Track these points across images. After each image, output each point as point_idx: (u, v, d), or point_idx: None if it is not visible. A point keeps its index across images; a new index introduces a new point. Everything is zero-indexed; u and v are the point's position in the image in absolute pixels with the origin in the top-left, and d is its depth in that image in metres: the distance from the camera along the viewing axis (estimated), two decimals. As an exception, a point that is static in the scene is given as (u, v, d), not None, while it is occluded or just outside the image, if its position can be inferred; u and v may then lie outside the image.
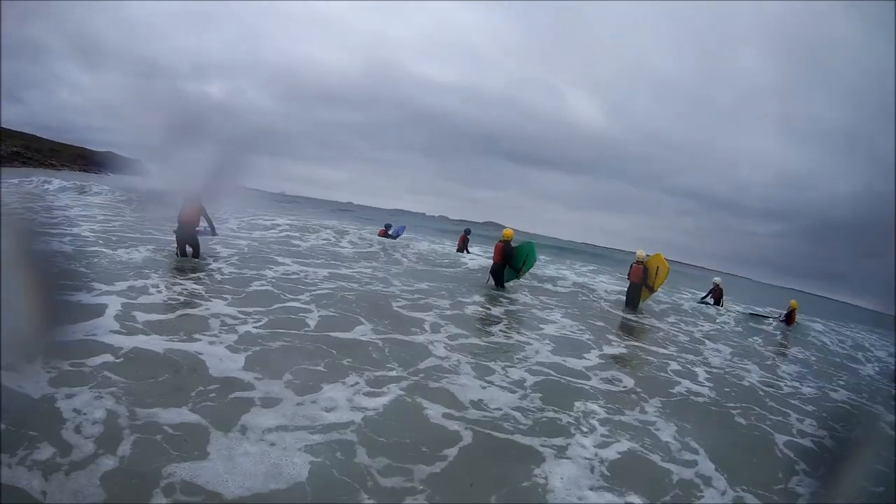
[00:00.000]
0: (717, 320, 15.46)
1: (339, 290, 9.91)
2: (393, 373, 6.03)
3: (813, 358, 12.78)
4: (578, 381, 7.02)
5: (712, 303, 18.11)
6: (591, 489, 4.31)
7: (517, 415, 5.45)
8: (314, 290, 9.54)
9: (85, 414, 4.08)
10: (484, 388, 6.06)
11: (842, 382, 10.64)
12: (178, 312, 7.00)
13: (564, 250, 45.77)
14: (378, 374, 5.90)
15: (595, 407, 6.08)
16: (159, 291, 7.84)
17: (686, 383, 7.89)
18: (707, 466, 5.07)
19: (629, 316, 13.25)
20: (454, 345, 7.62)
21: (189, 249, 10.86)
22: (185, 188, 11.16)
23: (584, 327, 10.62)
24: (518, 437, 4.96)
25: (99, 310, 6.51)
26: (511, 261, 13.32)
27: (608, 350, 9.10)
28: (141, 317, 6.51)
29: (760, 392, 8.21)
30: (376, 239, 19.05)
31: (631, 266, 14.67)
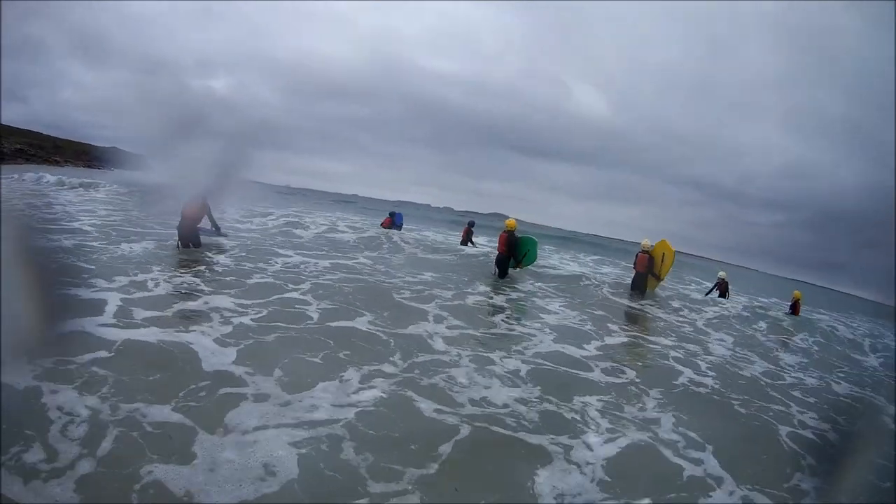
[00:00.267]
0: (721, 310, 15.27)
1: (341, 280, 9.86)
2: (391, 367, 5.94)
3: (816, 348, 12.60)
4: (580, 372, 6.95)
5: (718, 296, 17.69)
6: (592, 488, 4.23)
7: (516, 409, 5.34)
8: (315, 281, 9.49)
9: (68, 411, 4.01)
10: (483, 381, 5.96)
11: (844, 374, 10.48)
12: (177, 306, 6.94)
13: (569, 241, 45.72)
14: (375, 367, 5.82)
15: (596, 400, 5.99)
16: (158, 285, 7.77)
17: (689, 373, 7.81)
18: (712, 462, 4.98)
19: (632, 304, 13.10)
20: (454, 336, 7.56)
21: (190, 245, 10.88)
22: (191, 184, 11.20)
23: (586, 317, 10.55)
24: (517, 433, 4.87)
25: (97, 305, 6.45)
26: (515, 250, 13.59)
27: (610, 340, 9.02)
28: (138, 311, 6.44)
29: (762, 382, 8.10)
30: (376, 229, 18.93)
31: (636, 255, 14.54)
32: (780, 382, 8.38)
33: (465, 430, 4.71)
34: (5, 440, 3.56)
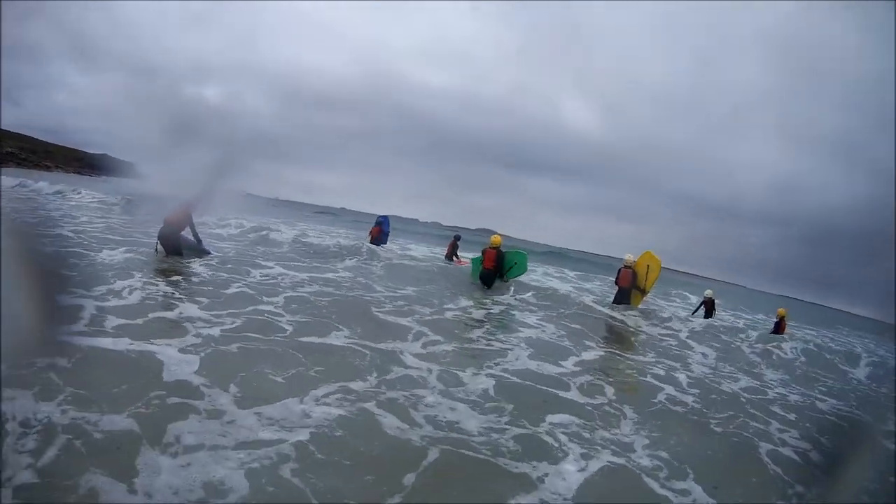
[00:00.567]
0: (702, 327, 15.18)
1: (318, 294, 9.77)
2: (358, 384, 5.73)
3: (800, 364, 12.41)
4: (556, 390, 6.79)
5: (703, 316, 17.29)
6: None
7: (486, 432, 5.10)
8: (291, 293, 9.41)
9: (22, 419, 3.90)
10: (452, 402, 5.74)
11: (828, 389, 10.36)
12: (149, 315, 6.83)
13: (556, 256, 45.80)
14: (341, 384, 5.61)
15: (571, 422, 5.76)
16: (133, 293, 7.65)
17: (668, 390, 7.69)
18: (695, 489, 4.76)
19: (613, 320, 12.92)
20: (429, 352, 7.44)
21: (171, 252, 10.86)
22: (178, 192, 11.18)
23: (564, 332, 10.46)
24: (485, 458, 4.61)
25: (72, 312, 6.35)
26: (501, 265, 13.92)
27: (588, 356, 8.92)
28: (110, 319, 6.35)
29: (743, 399, 7.98)
30: (355, 241, 18.81)
31: (619, 271, 14.30)
32: (761, 398, 8.27)
33: (430, 455, 4.47)
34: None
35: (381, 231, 21.37)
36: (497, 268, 13.78)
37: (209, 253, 11.82)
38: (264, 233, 18.09)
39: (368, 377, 6.01)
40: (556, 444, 5.10)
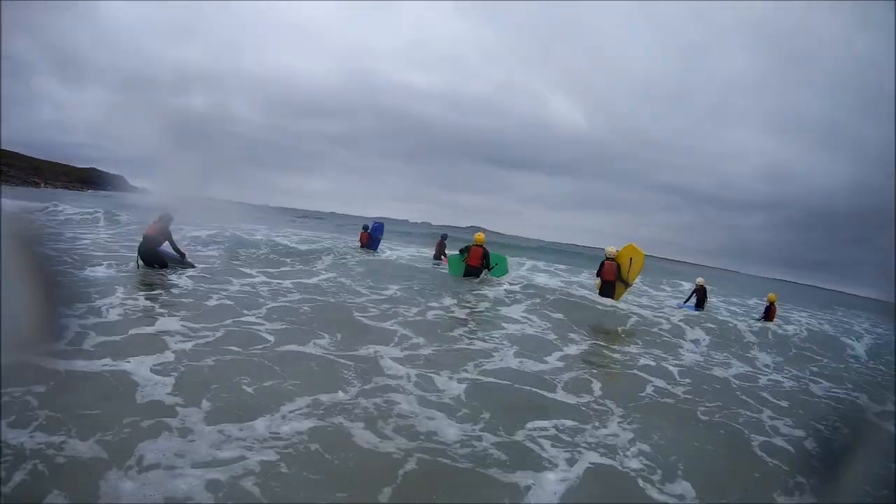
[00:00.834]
0: (691, 316, 15.10)
1: (301, 301, 9.73)
2: (336, 395, 5.53)
3: (794, 347, 12.25)
4: (540, 390, 6.64)
5: (695, 305, 16.89)
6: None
7: (466, 440, 4.89)
8: (273, 303, 9.35)
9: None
10: (432, 408, 5.53)
11: (822, 371, 10.27)
12: (129, 332, 6.74)
13: (545, 251, 45.68)
14: (318, 396, 5.41)
15: (557, 423, 5.55)
16: (112, 310, 7.59)
17: (657, 383, 7.60)
18: (685, 488, 4.58)
19: (599, 310, 12.75)
20: (411, 356, 7.30)
21: (155, 265, 10.98)
22: (161, 204, 11.21)
23: (550, 326, 10.45)
24: (466, 467, 4.42)
25: (53, 332, 6.16)
26: (487, 261, 14.18)
27: (573, 350, 8.86)
28: (89, 338, 6.28)
29: (734, 386, 7.94)
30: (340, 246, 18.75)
31: (602, 264, 13.91)
32: (752, 386, 8.21)
33: (406, 467, 4.30)
34: None
35: (370, 237, 21.23)
36: (483, 265, 14.08)
37: (193, 266, 11.81)
38: (242, 236, 18.02)
39: (346, 387, 5.83)
40: (540, 450, 4.91)
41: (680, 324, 12.30)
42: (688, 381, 8.00)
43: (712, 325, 12.78)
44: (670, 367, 8.56)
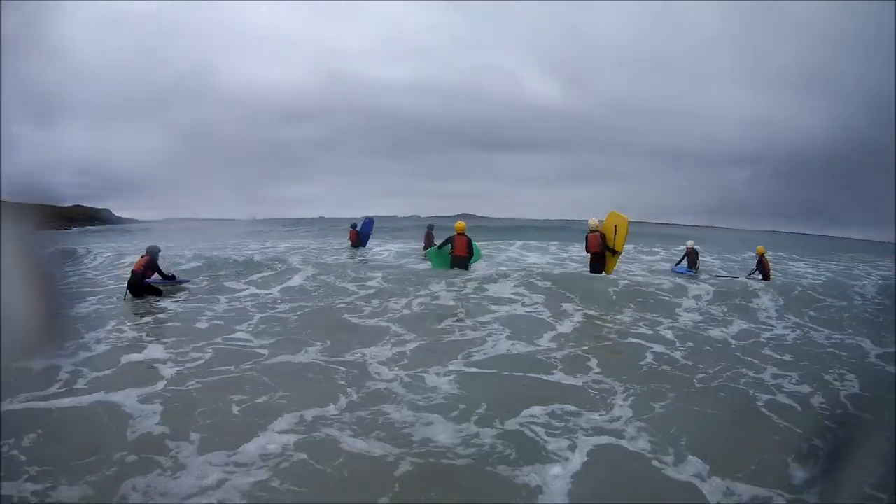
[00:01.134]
0: (684, 279, 14.97)
1: (290, 310, 9.64)
2: (327, 408, 5.32)
3: (784, 301, 11.91)
4: (536, 374, 6.50)
5: (687, 266, 16.83)
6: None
7: (464, 438, 4.69)
8: (261, 315, 9.27)
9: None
10: (427, 410, 5.32)
11: (822, 320, 10.25)
12: (119, 363, 6.64)
13: (538, 230, 45.47)
14: (310, 411, 5.20)
15: (554, 410, 5.33)
16: (102, 344, 7.51)
17: (657, 349, 7.58)
18: (697, 463, 4.39)
19: (592, 281, 12.66)
20: (402, 354, 7.18)
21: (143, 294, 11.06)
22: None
23: (541, 302, 10.38)
24: (467, 465, 4.25)
25: (47, 374, 6.10)
26: (472, 249, 13.77)
27: (567, 327, 8.76)
28: (80, 375, 6.16)
29: (734, 346, 7.90)
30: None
31: (586, 237, 13.57)
32: (753, 343, 8.18)
33: (404, 473, 4.13)
34: None
35: (358, 234, 21.46)
36: (469, 254, 13.63)
37: (188, 281, 12.24)
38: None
39: (337, 397, 5.64)
40: (542, 440, 4.72)
41: (673, 286, 12.24)
42: (689, 345, 7.95)
43: (706, 285, 12.70)
44: (667, 332, 8.51)
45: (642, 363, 7.05)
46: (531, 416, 5.21)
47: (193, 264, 14.50)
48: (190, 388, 5.85)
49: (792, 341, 8.51)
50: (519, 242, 26.30)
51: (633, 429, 5.00)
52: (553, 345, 7.77)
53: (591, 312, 9.88)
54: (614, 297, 11.30)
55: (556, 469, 4.23)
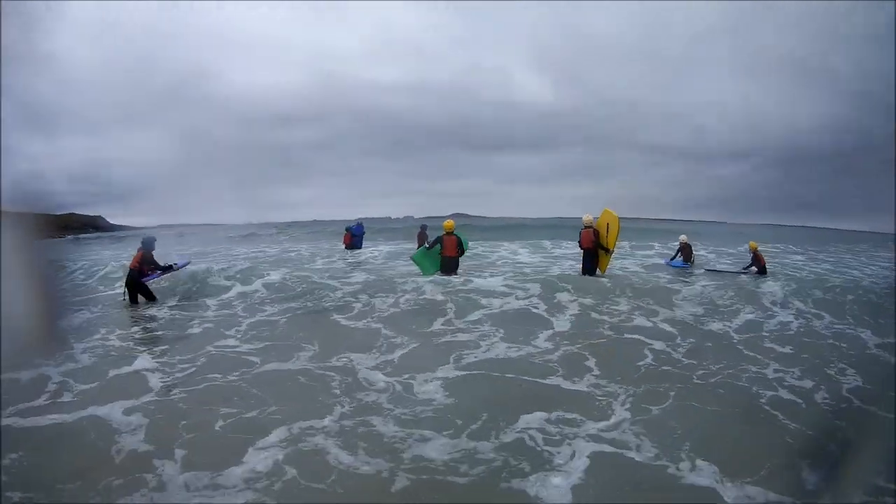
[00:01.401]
0: (678, 274, 14.94)
1: (280, 312, 9.53)
2: (321, 419, 5.13)
3: (782, 293, 11.66)
4: (532, 378, 6.33)
5: (682, 260, 16.70)
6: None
7: (460, 450, 4.52)
8: (251, 320, 9.14)
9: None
10: (421, 425, 5.07)
11: (822, 310, 10.14)
12: (108, 376, 6.48)
13: (529, 228, 45.35)
14: (300, 423, 5.02)
15: (557, 415, 5.17)
16: (90, 355, 7.36)
17: (656, 347, 7.45)
18: (705, 467, 4.25)
19: (585, 281, 12.31)
20: (392, 363, 6.97)
21: (140, 298, 11.08)
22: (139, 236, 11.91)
23: (535, 298, 10.19)
24: (467, 482, 4.06)
25: (35, 386, 6.03)
26: (462, 248, 13.38)
27: (563, 325, 8.60)
28: (67, 388, 6.04)
29: (734, 339, 7.80)
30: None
31: (580, 233, 13.37)
32: (752, 336, 8.09)
33: (397, 489, 3.98)
34: None
35: (352, 237, 21.52)
36: (459, 254, 13.22)
37: (188, 263, 12.67)
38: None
39: (326, 408, 5.44)
40: (541, 448, 4.57)
41: (669, 279, 12.18)
42: (690, 340, 7.85)
43: (703, 279, 12.61)
44: (666, 325, 8.40)
45: (641, 363, 6.92)
46: (529, 423, 5.04)
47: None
48: (178, 400, 5.70)
49: (793, 331, 8.43)
50: (517, 243, 26.02)
51: (635, 433, 4.86)
52: (549, 344, 7.62)
53: (586, 305, 9.73)
54: (609, 290, 11.13)
55: (556, 479, 4.08)
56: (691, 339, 7.86)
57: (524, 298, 10.17)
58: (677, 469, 4.23)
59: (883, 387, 6.50)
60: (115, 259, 17.45)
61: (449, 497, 3.90)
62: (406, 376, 6.36)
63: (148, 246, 11.43)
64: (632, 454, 4.50)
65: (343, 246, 22.11)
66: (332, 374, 6.45)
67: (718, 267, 17.15)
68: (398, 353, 7.36)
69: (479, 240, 25.18)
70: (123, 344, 7.97)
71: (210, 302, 10.73)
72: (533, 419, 5.10)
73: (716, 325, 8.69)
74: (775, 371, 6.64)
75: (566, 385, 6.15)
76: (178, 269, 12.26)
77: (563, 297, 10.34)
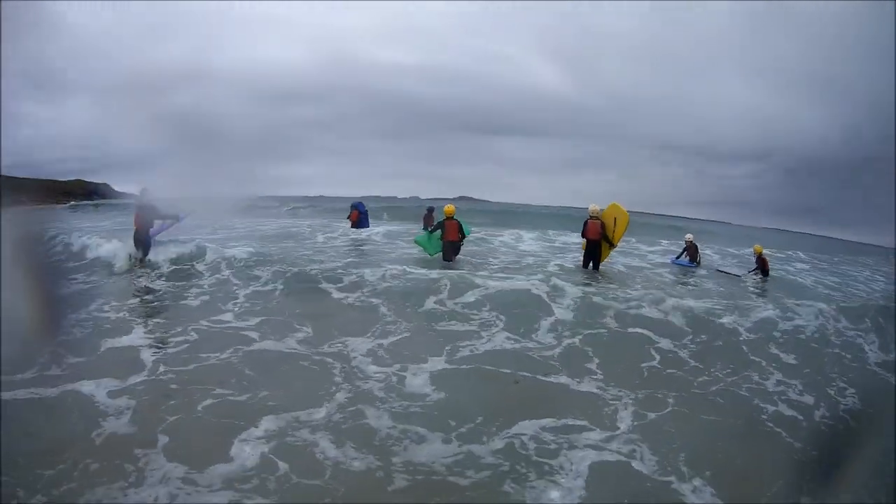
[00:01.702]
0: (689, 274, 14.81)
1: (279, 287, 9.34)
2: (311, 411, 5.02)
3: (787, 298, 11.66)
4: (532, 374, 6.23)
5: (689, 260, 16.41)
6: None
7: (457, 453, 4.45)
8: (246, 291, 9.04)
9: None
10: (416, 421, 4.98)
11: (823, 319, 9.96)
12: (99, 350, 6.41)
13: (535, 216, 45.17)
14: (295, 414, 4.92)
15: (555, 423, 5.04)
16: (86, 326, 7.28)
17: (661, 345, 7.31)
18: (701, 487, 4.20)
19: (588, 275, 12.21)
20: (391, 345, 6.95)
21: (139, 254, 11.03)
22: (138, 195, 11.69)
23: (536, 284, 9.80)
24: (460, 487, 4.00)
25: (20, 358, 5.78)
26: (463, 233, 13.15)
27: (566, 314, 8.31)
28: (60, 361, 5.91)
29: (740, 344, 7.62)
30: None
31: (585, 224, 13.00)
32: (753, 339, 7.88)
33: (393, 493, 3.90)
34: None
35: (359, 215, 21.19)
36: (461, 237, 13.05)
37: (192, 211, 12.67)
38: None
39: (317, 398, 5.35)
40: (536, 457, 4.48)
41: (672, 279, 12.04)
42: (688, 338, 7.67)
43: (706, 281, 12.46)
44: (671, 322, 8.17)
45: (644, 364, 6.79)
46: (524, 429, 4.94)
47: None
48: (164, 380, 5.65)
49: (798, 337, 8.21)
50: (521, 230, 25.83)
51: (633, 443, 4.79)
52: (551, 339, 7.43)
53: (590, 295, 9.42)
54: (613, 284, 10.96)
55: (553, 493, 4.01)
56: (692, 336, 7.74)
57: (525, 282, 9.82)
58: (677, 484, 4.18)
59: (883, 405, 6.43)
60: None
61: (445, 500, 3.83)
62: (399, 370, 6.19)
63: (143, 201, 11.40)
64: (629, 464, 4.45)
65: (349, 224, 21.76)
66: (328, 359, 6.37)
67: (728, 269, 16.85)
68: (397, 339, 7.24)
69: (483, 224, 24.98)
70: (118, 315, 7.80)
71: (205, 273, 10.41)
72: (528, 424, 5.01)
73: (720, 322, 8.45)
74: (778, 382, 6.52)
75: (568, 384, 6.07)
76: (181, 221, 12.28)
77: (563, 288, 10.15)
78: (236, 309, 8.20)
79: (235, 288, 9.21)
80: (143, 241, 11.02)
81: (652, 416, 5.37)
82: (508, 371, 6.34)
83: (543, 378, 6.20)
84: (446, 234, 12.82)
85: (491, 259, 13.10)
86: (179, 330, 7.09)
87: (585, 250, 13.22)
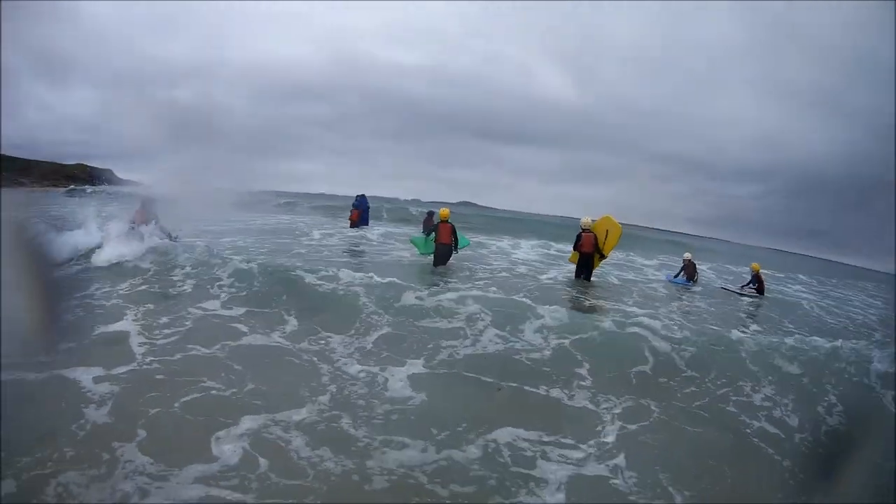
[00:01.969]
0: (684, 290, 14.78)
1: (269, 282, 9.13)
2: (301, 412, 5.00)
3: (789, 318, 11.72)
4: (518, 382, 6.14)
5: (686, 279, 16.21)
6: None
7: (438, 459, 4.43)
8: (241, 284, 8.89)
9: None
10: (399, 428, 4.92)
11: (818, 335, 9.88)
12: (88, 336, 6.42)
13: (534, 224, 45.12)
14: (279, 415, 4.88)
15: (540, 434, 5.00)
16: (72, 311, 7.25)
17: (652, 348, 7.20)
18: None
19: (581, 287, 12.22)
20: (378, 341, 7.00)
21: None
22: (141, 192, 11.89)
23: (526, 290, 10.05)
24: (441, 493, 3.98)
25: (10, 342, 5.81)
26: (456, 238, 13.22)
27: (554, 329, 7.88)
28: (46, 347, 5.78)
29: (724, 356, 7.54)
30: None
31: (579, 236, 13.12)
32: (749, 353, 7.78)
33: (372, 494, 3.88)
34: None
35: (360, 214, 21.16)
36: (454, 242, 13.12)
37: (179, 235, 12.12)
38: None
39: (313, 396, 5.36)
40: (514, 468, 4.46)
41: (665, 293, 12.02)
42: (675, 347, 7.36)
43: (698, 298, 12.44)
44: (656, 336, 8.10)
45: (633, 370, 6.70)
46: (503, 439, 4.89)
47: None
48: (149, 370, 5.64)
49: (787, 352, 8.15)
50: (519, 238, 25.82)
51: (613, 459, 4.77)
52: (539, 339, 7.38)
53: (583, 320, 9.23)
54: (606, 294, 11.05)
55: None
56: (678, 346, 7.44)
57: (519, 305, 9.68)
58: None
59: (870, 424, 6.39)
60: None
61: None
62: (379, 371, 6.18)
63: (149, 202, 11.65)
64: (610, 480, 4.43)
65: (349, 224, 21.65)
66: (312, 356, 6.39)
67: (730, 287, 16.76)
68: (382, 332, 7.32)
69: (483, 231, 25.13)
70: (109, 302, 7.80)
71: (197, 266, 10.32)
72: (508, 434, 4.97)
73: (706, 337, 8.34)
74: (765, 399, 6.39)
75: (553, 393, 6.01)
76: (172, 240, 11.68)
77: (554, 289, 10.17)
78: (224, 298, 8.19)
79: (225, 280, 9.07)
80: (139, 236, 10.96)
81: (636, 426, 5.36)
82: (487, 374, 6.29)
83: (529, 387, 6.11)
84: (439, 237, 13.08)
85: (483, 266, 13.07)
86: (166, 321, 7.06)
87: (578, 262, 13.39)
